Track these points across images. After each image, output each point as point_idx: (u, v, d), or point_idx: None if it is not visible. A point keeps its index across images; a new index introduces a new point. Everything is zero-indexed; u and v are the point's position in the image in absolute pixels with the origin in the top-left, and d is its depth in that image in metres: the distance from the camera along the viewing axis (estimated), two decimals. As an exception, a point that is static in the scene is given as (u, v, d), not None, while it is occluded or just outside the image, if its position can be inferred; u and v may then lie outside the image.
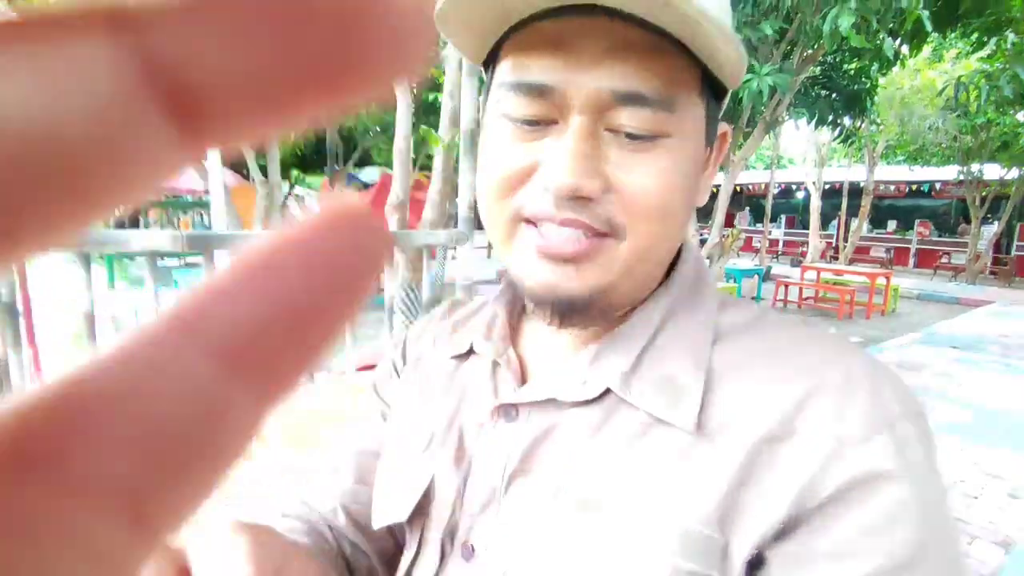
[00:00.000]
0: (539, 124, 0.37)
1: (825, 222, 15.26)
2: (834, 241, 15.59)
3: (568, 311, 0.39)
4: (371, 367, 3.15)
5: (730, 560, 0.34)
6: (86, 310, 2.05)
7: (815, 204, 12.49)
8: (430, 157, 8.52)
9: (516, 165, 0.38)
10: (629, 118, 0.35)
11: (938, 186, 15.06)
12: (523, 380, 0.46)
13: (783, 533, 0.34)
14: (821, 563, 0.33)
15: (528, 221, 0.38)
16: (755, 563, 0.34)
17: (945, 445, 3.76)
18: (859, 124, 7.81)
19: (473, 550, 0.42)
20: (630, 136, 0.36)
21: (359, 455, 0.55)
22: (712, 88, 0.39)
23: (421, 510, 0.46)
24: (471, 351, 0.49)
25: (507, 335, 0.48)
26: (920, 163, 13.28)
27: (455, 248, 2.82)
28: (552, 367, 0.44)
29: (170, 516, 0.09)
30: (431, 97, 6.25)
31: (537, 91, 0.36)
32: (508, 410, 0.43)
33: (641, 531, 0.36)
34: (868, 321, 8.31)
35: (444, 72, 4.13)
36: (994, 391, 5.01)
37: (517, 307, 0.49)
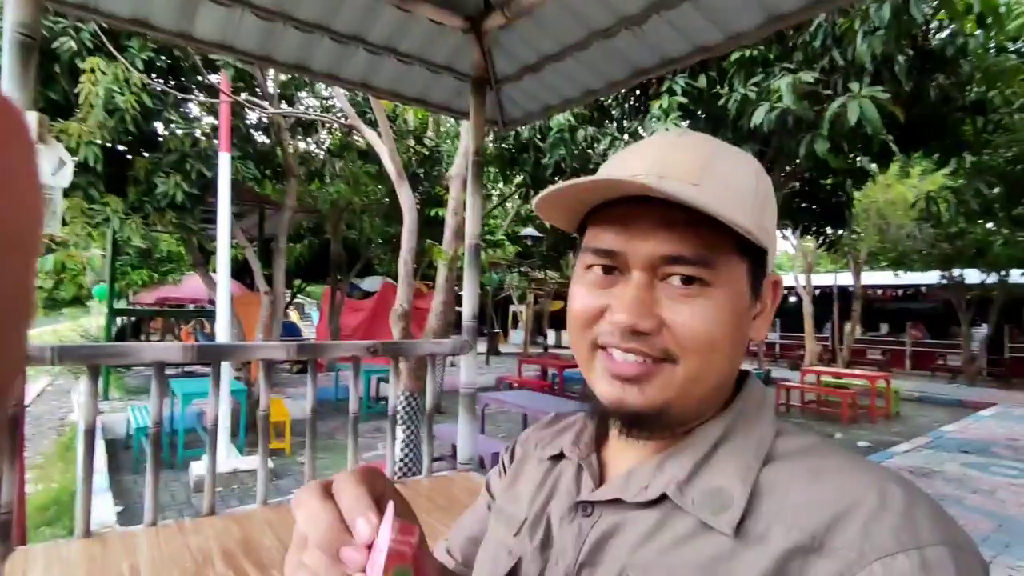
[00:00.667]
0: (612, 274, 0.49)
1: (818, 325, 15.44)
2: (830, 343, 15.68)
3: (634, 422, 0.49)
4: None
5: None
6: (88, 423, 2.04)
7: (807, 309, 12.73)
8: (431, 267, 8.77)
9: (594, 304, 0.49)
10: (675, 272, 0.46)
11: (924, 290, 15.43)
12: (601, 482, 0.54)
13: None
14: None
15: (602, 347, 0.49)
16: None
17: (970, 559, 3.57)
18: (840, 233, 8.19)
19: None
20: (677, 285, 0.46)
21: (466, 541, 0.66)
22: (753, 248, 0.48)
23: None
24: (563, 455, 0.58)
25: (592, 443, 0.57)
26: (904, 269, 13.72)
27: (456, 356, 2.86)
28: (625, 472, 0.51)
29: None
30: (433, 212, 6.58)
31: (607, 254, 0.49)
32: (585, 506, 0.51)
33: None
34: (874, 425, 8.16)
35: (448, 190, 4.41)
36: (1015, 498, 4.83)
37: (604, 420, 0.57)
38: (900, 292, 16.18)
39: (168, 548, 1.91)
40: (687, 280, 0.46)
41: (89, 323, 15.00)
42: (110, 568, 1.75)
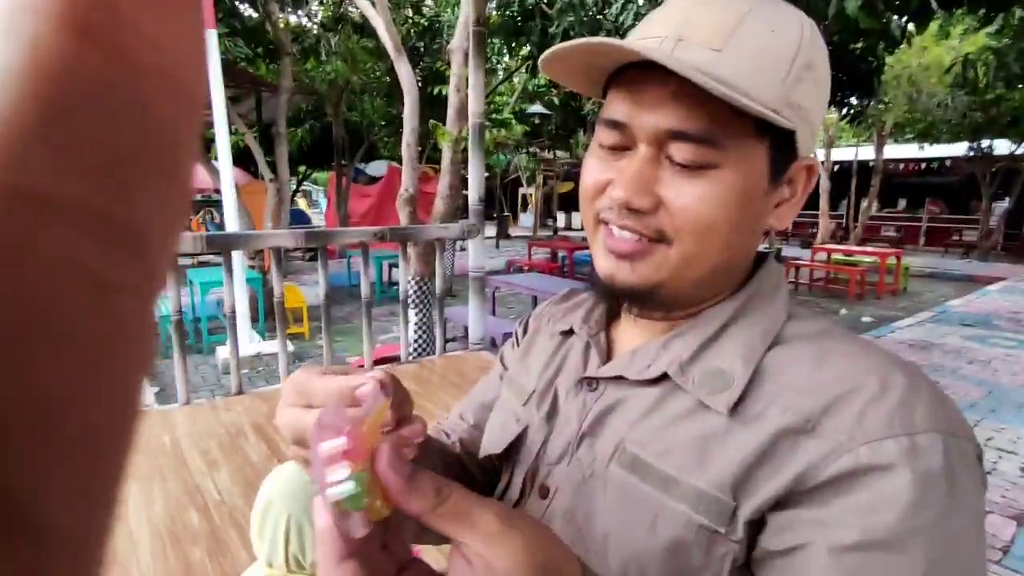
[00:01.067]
0: (617, 150, 0.48)
1: (834, 203, 15.13)
2: (844, 221, 15.48)
3: (628, 299, 0.50)
4: (387, 359, 3.19)
5: (736, 520, 0.42)
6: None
7: (824, 185, 12.39)
8: (437, 150, 8.53)
9: (600, 178, 0.48)
10: (678, 151, 0.44)
11: (948, 163, 14.88)
12: (608, 359, 0.55)
13: (780, 504, 0.40)
14: (804, 527, 0.39)
15: (604, 222, 0.49)
16: (757, 523, 0.42)
17: (957, 423, 3.78)
18: (867, 103, 7.73)
19: (548, 492, 0.52)
20: (680, 164, 0.44)
21: (479, 406, 0.69)
22: (776, 130, 0.44)
23: (513, 450, 0.57)
24: (573, 331, 0.59)
25: (602, 320, 0.58)
26: (930, 141, 13.12)
27: (465, 240, 2.86)
28: (630, 351, 0.52)
29: (160, 247, 0.12)
30: (436, 90, 6.26)
31: (615, 126, 0.46)
32: (591, 382, 0.53)
33: (669, 488, 0.44)
34: (879, 301, 8.28)
35: (450, 65, 4.15)
36: (1008, 368, 5.01)
37: (616, 298, 0.56)
38: (922, 166, 15.63)
39: (202, 424, 2.06)
40: (691, 159, 0.43)
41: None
42: (153, 441, 1.91)
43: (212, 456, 1.85)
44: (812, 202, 14.61)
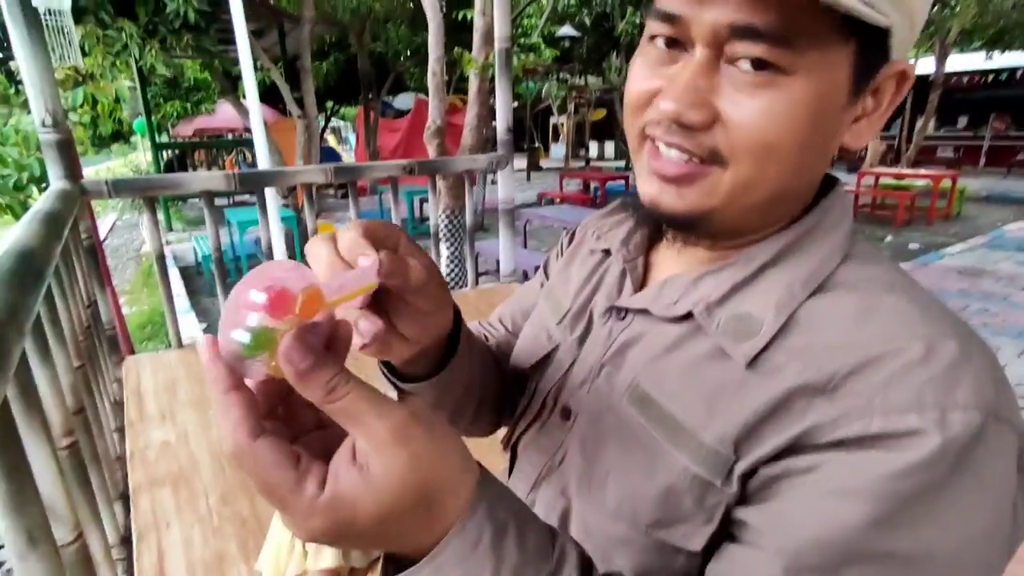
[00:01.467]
0: (674, 48, 0.40)
1: (887, 122, 14.20)
2: (896, 143, 14.57)
3: (673, 226, 0.45)
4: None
5: (732, 474, 0.40)
6: (156, 250, 2.19)
7: (875, 103, 11.56)
8: (464, 79, 8.26)
9: (647, 86, 0.41)
10: (742, 51, 0.36)
11: (1020, 74, 13.64)
12: (643, 287, 0.52)
13: (777, 456, 0.38)
14: (791, 475, 0.37)
15: (649, 138, 0.42)
16: (750, 475, 0.39)
17: (1007, 350, 3.67)
18: (932, 8, 7.07)
19: (570, 414, 0.52)
20: (745, 70, 0.37)
21: (517, 312, 0.68)
22: (867, 28, 0.36)
23: (541, 366, 0.57)
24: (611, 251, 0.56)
25: (642, 244, 0.54)
26: (1000, 48, 11.99)
27: (495, 172, 2.81)
28: (660, 283, 0.48)
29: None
30: (461, 15, 5.99)
31: (669, 20, 0.38)
32: (619, 311, 0.50)
33: (672, 435, 0.42)
34: (929, 227, 7.90)
35: (474, -14, 3.95)
36: (1063, 294, 4.78)
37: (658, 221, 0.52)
38: (989, 78, 14.40)
39: (250, 355, 2.17)
40: (758, 64, 0.36)
41: (138, 159, 15.37)
42: (204, 371, 2.02)
43: (260, 385, 1.96)
44: (862, 122, 13.67)
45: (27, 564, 0.59)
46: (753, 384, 0.39)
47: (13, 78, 3.50)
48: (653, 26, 0.40)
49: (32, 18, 1.65)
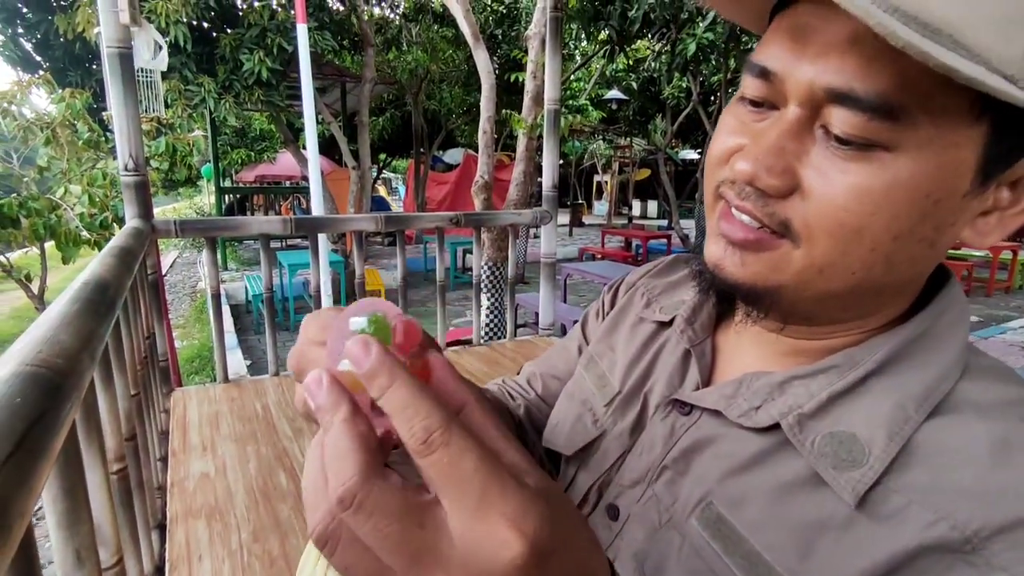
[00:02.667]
0: (764, 107, 0.36)
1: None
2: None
3: (733, 295, 0.39)
4: (460, 341, 3.28)
5: None
6: (213, 288, 2.31)
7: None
8: (512, 137, 8.57)
9: (730, 143, 0.37)
10: (840, 120, 0.31)
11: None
12: (711, 375, 0.45)
13: None
14: None
15: (723, 198, 0.38)
16: None
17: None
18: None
19: (618, 514, 0.45)
20: (839, 140, 0.32)
21: (547, 376, 0.63)
22: (1006, 104, 0.28)
23: (582, 454, 0.50)
24: (671, 323, 0.49)
25: (709, 323, 0.47)
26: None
27: (539, 226, 2.87)
28: (741, 371, 0.42)
29: None
30: (513, 77, 6.28)
31: (762, 74, 0.34)
32: (683, 405, 0.44)
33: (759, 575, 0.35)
34: (988, 299, 7.54)
35: (527, 52, 4.15)
36: None
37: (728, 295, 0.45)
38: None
39: (290, 393, 2.22)
40: (853, 133, 0.31)
41: (202, 201, 16.36)
42: (247, 406, 2.08)
43: (298, 424, 1.99)
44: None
45: (73, 582, 0.62)
46: (864, 528, 0.32)
47: (104, 126, 3.83)
48: (747, 82, 0.36)
49: (129, 73, 1.84)
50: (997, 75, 0.27)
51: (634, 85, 10.71)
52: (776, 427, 0.37)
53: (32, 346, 0.55)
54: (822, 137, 0.33)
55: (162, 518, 1.48)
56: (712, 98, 9.04)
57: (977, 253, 8.04)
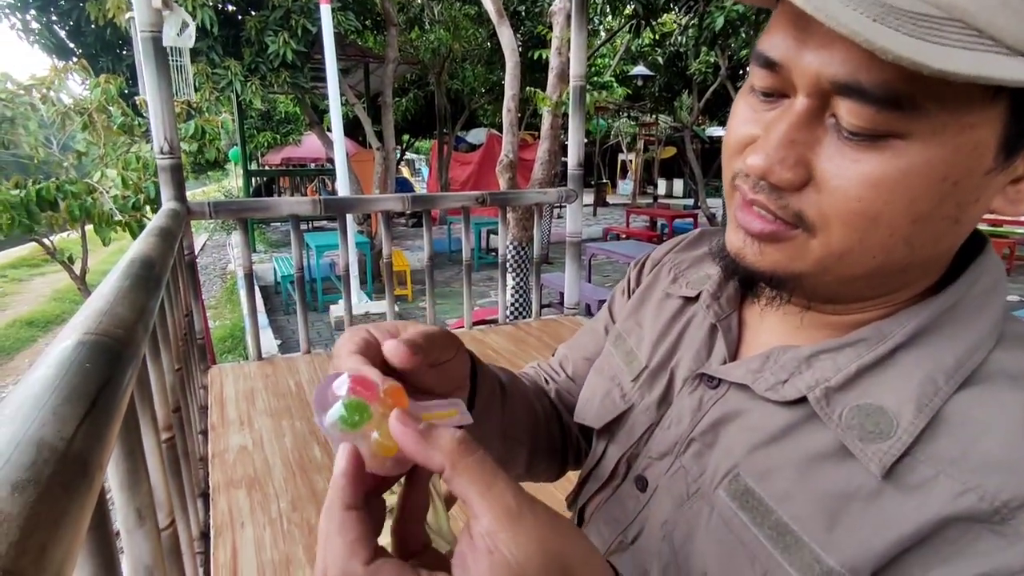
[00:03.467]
0: (774, 96, 0.35)
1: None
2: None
3: (752, 279, 0.39)
4: (485, 321, 3.30)
5: None
6: (245, 267, 2.37)
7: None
8: (536, 116, 8.48)
9: (743, 132, 0.37)
10: (848, 112, 0.30)
11: None
12: (737, 349, 0.46)
13: None
14: None
15: (738, 188, 0.38)
16: None
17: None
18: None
19: (646, 485, 0.46)
20: (850, 132, 0.31)
21: (577, 359, 0.64)
22: None
23: (611, 427, 0.52)
24: (698, 297, 0.49)
25: (735, 298, 0.47)
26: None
27: (563, 206, 2.86)
28: (767, 346, 0.42)
29: None
30: (537, 55, 6.20)
31: (768, 64, 0.34)
32: (712, 379, 0.44)
33: (787, 548, 0.35)
34: (1031, 278, 7.29)
35: (552, 28, 4.09)
36: None
37: None
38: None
39: (322, 370, 2.28)
40: (863, 126, 0.30)
41: (230, 184, 16.64)
42: (280, 383, 2.14)
43: (330, 400, 2.05)
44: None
45: (134, 538, 0.66)
46: (891, 499, 0.32)
47: (137, 111, 3.92)
48: (754, 72, 0.35)
49: (161, 57, 1.87)
50: (1013, 51, 0.27)
51: (660, 60, 10.48)
52: (803, 400, 0.37)
53: (93, 317, 0.58)
54: (833, 127, 0.32)
55: (205, 487, 1.54)
56: (741, 73, 8.80)
57: (1020, 230, 7.76)
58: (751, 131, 0.36)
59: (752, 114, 0.36)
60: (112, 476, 0.63)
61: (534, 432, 0.56)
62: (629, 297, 0.59)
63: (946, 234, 0.34)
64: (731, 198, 0.39)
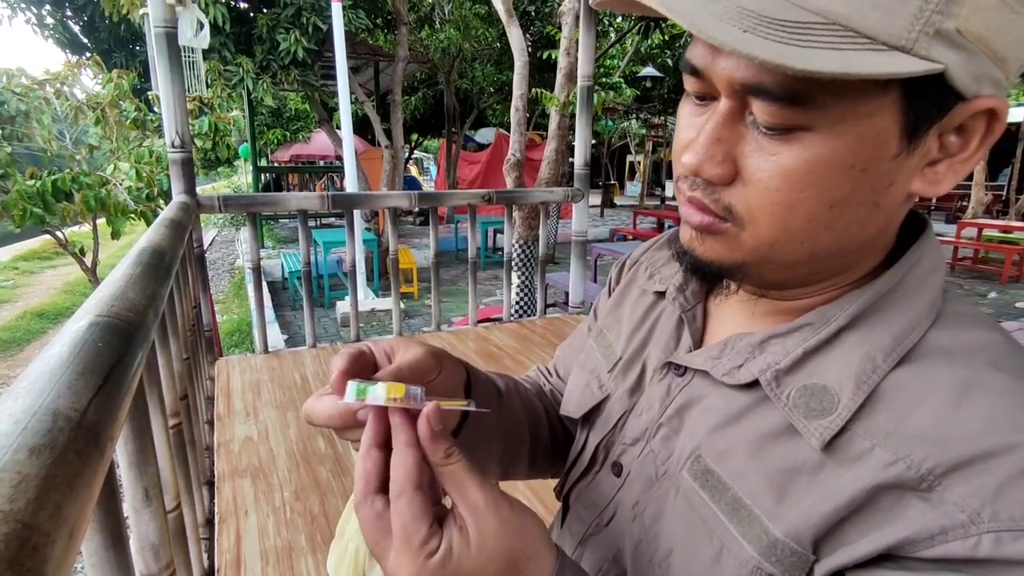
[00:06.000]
0: (706, 100, 0.38)
1: (993, 172, 13.21)
2: (1004, 193, 13.49)
3: (705, 274, 0.41)
4: (490, 319, 3.32)
5: (812, 574, 0.35)
6: (254, 261, 2.39)
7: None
8: (544, 117, 8.50)
9: (684, 136, 0.39)
10: (759, 110, 0.33)
11: None
12: (702, 339, 0.49)
13: (871, 563, 0.33)
14: None
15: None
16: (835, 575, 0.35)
17: None
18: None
19: (621, 470, 0.49)
20: (765, 127, 0.34)
21: (569, 360, 0.67)
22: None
23: (591, 415, 0.55)
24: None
25: (699, 291, 0.50)
26: None
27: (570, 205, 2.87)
28: (728, 334, 0.45)
29: None
30: (546, 55, 6.21)
31: (693, 71, 0.37)
32: (678, 367, 0.47)
33: (740, 521, 0.38)
34: (1041, 286, 7.22)
35: (561, 29, 4.10)
36: None
37: None
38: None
39: (327, 364, 2.29)
40: (772, 121, 0.33)
41: (239, 181, 16.75)
42: (286, 376, 2.16)
43: (335, 393, 2.07)
44: (965, 171, 12.76)
45: (141, 517, 0.68)
46: (831, 472, 0.35)
47: (149, 106, 3.96)
48: (686, 80, 0.38)
49: (174, 52, 1.90)
50: (887, 46, 0.29)
51: (669, 62, 10.46)
52: (757, 383, 0.40)
53: (106, 301, 0.60)
54: (752, 124, 0.35)
55: (210, 476, 1.57)
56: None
57: (1030, 237, 7.69)
58: (689, 134, 0.38)
59: (690, 119, 0.39)
60: (121, 455, 0.65)
61: (535, 431, 0.60)
62: (610, 296, 0.62)
63: (870, 218, 0.36)
64: (680, 196, 0.41)
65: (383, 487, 0.35)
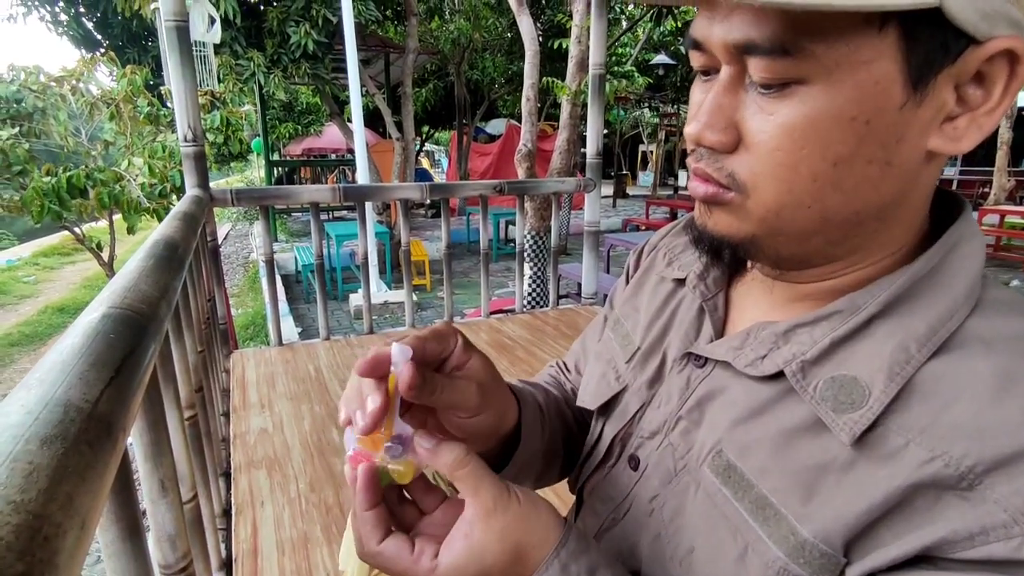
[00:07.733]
0: (710, 74, 0.37)
1: (1017, 157, 12.90)
2: (1027, 179, 13.18)
3: (719, 252, 0.40)
4: (503, 310, 3.31)
5: None
6: (267, 254, 2.41)
7: (1004, 136, 10.57)
8: (555, 107, 8.45)
9: (693, 113, 0.39)
10: (754, 69, 0.33)
11: None
12: (724, 328, 0.47)
13: (905, 565, 0.31)
14: None
15: None
16: None
17: None
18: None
19: (638, 464, 0.48)
20: (762, 86, 0.33)
21: (584, 351, 0.66)
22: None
23: (608, 406, 0.53)
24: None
25: (722, 278, 0.48)
26: None
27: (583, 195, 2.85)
28: (751, 322, 0.43)
29: None
30: (556, 44, 6.16)
31: (695, 46, 0.37)
32: (698, 358, 0.45)
33: (766, 521, 0.36)
34: (1066, 273, 7.06)
35: (572, 16, 4.06)
36: None
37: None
38: None
39: (341, 356, 2.31)
40: (767, 77, 0.32)
41: (252, 175, 16.88)
42: (300, 368, 2.18)
43: (349, 385, 2.09)
44: (987, 157, 12.57)
45: (158, 507, 0.68)
46: (862, 469, 0.33)
47: (162, 101, 3.99)
48: (690, 57, 0.38)
49: (186, 46, 1.90)
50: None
51: (682, 49, 10.32)
52: (781, 375, 0.38)
53: (118, 293, 0.60)
54: (751, 87, 0.34)
55: (226, 467, 1.58)
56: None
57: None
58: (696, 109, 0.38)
59: (699, 95, 0.38)
60: (136, 447, 0.65)
61: (567, 439, 0.59)
62: (627, 284, 0.61)
63: (882, 178, 0.34)
64: (690, 173, 0.41)
65: (385, 535, 0.38)
